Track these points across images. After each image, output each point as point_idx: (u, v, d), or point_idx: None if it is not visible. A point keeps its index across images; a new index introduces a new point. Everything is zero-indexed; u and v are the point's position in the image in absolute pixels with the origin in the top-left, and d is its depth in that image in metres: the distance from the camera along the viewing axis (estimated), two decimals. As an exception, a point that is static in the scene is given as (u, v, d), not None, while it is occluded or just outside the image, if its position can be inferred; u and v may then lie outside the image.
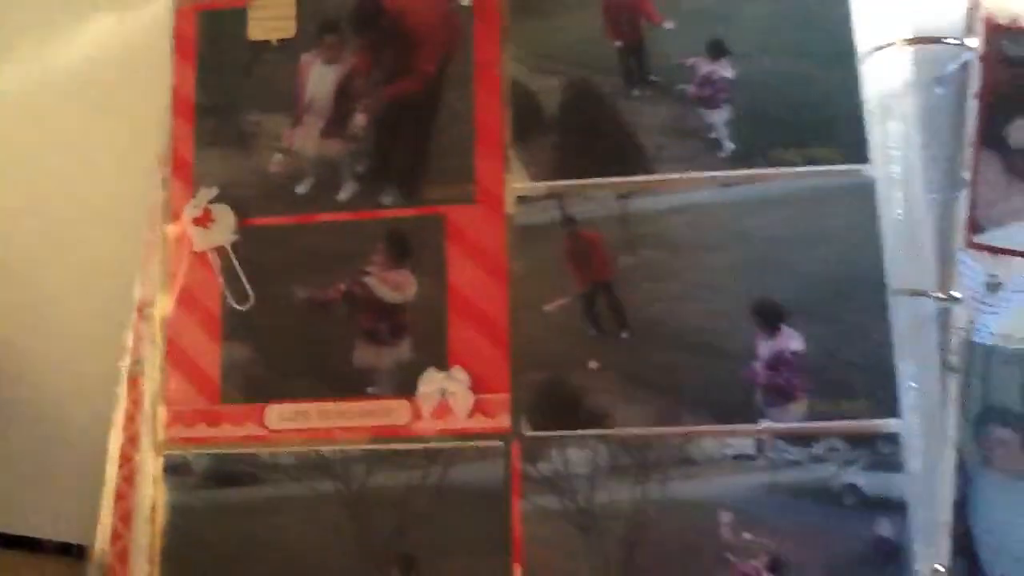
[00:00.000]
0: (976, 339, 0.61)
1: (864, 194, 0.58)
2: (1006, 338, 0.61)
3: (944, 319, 0.61)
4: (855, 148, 0.58)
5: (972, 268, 0.62)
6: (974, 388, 0.60)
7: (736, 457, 0.56)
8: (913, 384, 0.57)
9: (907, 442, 0.56)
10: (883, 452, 0.56)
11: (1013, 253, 0.63)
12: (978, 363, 0.61)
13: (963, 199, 0.63)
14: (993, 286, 0.62)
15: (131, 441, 0.63)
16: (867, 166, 0.59)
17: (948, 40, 0.62)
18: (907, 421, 0.56)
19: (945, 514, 0.59)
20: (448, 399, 0.59)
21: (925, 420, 0.57)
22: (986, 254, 0.62)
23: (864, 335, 0.56)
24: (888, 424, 0.56)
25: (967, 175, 0.63)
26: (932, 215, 0.61)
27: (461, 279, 0.60)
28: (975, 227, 0.63)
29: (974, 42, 0.62)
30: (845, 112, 0.59)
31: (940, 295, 0.59)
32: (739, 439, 0.57)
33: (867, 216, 0.57)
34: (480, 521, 0.57)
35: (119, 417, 0.63)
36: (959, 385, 0.60)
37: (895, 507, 0.55)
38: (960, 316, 0.61)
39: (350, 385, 0.60)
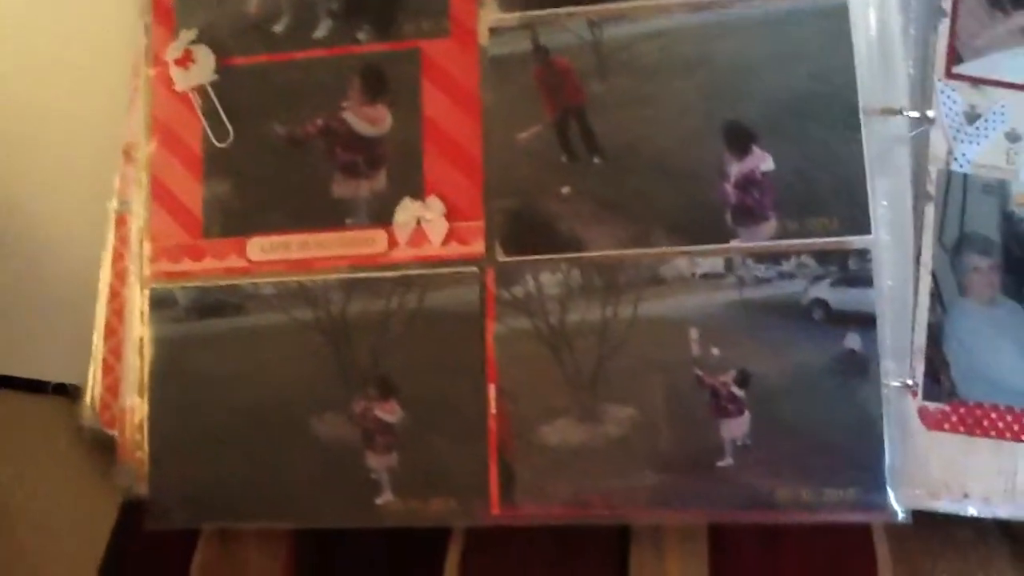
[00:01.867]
0: (954, 168, 0.60)
1: (837, 16, 0.57)
2: (984, 167, 0.61)
3: (921, 146, 0.60)
4: (829, -31, 0.57)
5: (951, 98, 0.61)
6: (951, 217, 0.60)
7: (705, 276, 0.57)
8: (884, 202, 0.56)
9: (877, 258, 0.55)
10: (853, 268, 0.56)
11: (993, 83, 0.62)
12: (956, 192, 0.60)
13: (943, 29, 0.61)
14: (972, 116, 0.61)
15: (119, 278, 0.64)
16: (843, -11, 0.57)
17: None
18: (878, 238, 0.56)
19: (920, 338, 0.59)
20: (423, 227, 0.60)
21: (896, 237, 0.57)
22: (966, 84, 0.61)
23: (835, 154, 0.56)
24: (858, 240, 0.56)
25: (947, 4, 0.61)
26: (908, 40, 0.60)
27: (435, 111, 0.60)
28: (955, 57, 0.61)
29: None
30: (819, -66, 0.58)
31: (913, 114, 0.58)
32: (709, 259, 0.57)
33: (839, 37, 0.57)
34: (455, 344, 0.58)
35: (107, 256, 0.64)
36: (936, 213, 0.60)
37: (863, 321, 0.55)
38: (938, 146, 0.60)
39: (329, 216, 0.61)
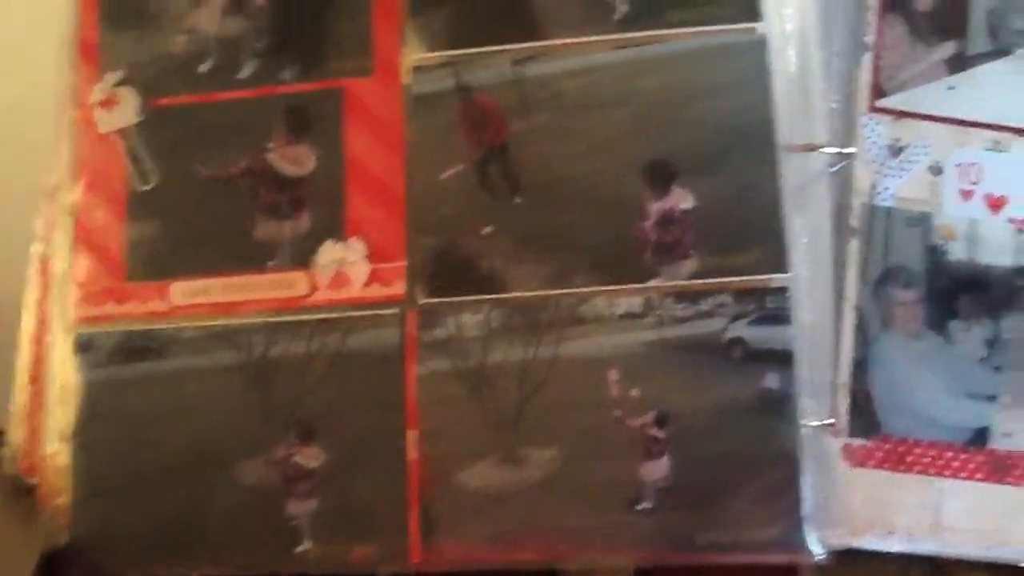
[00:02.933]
0: (878, 202, 0.60)
1: (756, 51, 0.57)
2: (908, 200, 0.61)
3: (844, 180, 0.60)
4: (747, 6, 0.58)
5: (875, 131, 0.61)
6: (875, 251, 0.60)
7: (625, 315, 0.56)
8: (804, 239, 0.56)
9: (796, 296, 0.55)
10: (771, 306, 0.55)
11: (917, 116, 0.62)
12: (879, 226, 0.60)
13: (866, 63, 0.61)
14: (896, 149, 0.61)
15: (43, 323, 0.63)
16: (760, 24, 0.57)
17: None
18: (796, 275, 0.55)
19: (844, 374, 0.59)
20: (345, 269, 0.59)
21: (816, 274, 0.57)
22: (889, 118, 0.62)
23: (754, 190, 0.56)
24: (777, 278, 0.56)
25: (870, 39, 0.61)
26: (831, 74, 0.60)
27: (359, 151, 0.60)
28: (879, 91, 0.62)
29: None
30: (739, -32, 0.58)
31: (833, 149, 0.58)
32: (629, 298, 0.57)
33: (759, 73, 0.57)
34: (376, 387, 0.58)
35: (31, 300, 0.64)
36: (860, 248, 0.60)
37: (782, 360, 0.55)
38: (862, 180, 0.60)
39: (251, 259, 0.60)
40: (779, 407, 0.55)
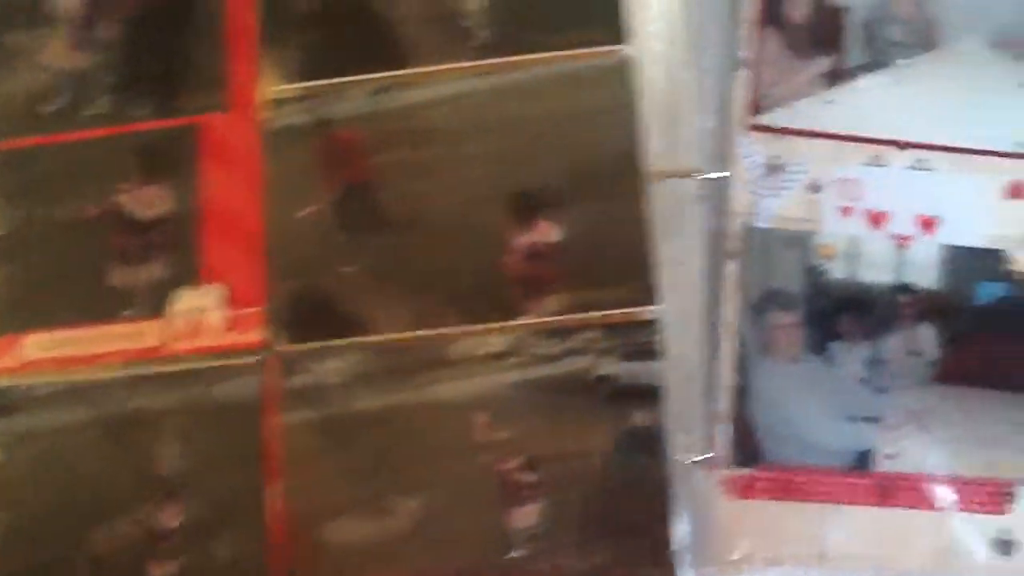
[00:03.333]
0: (756, 223, 0.59)
1: (622, 74, 0.55)
2: (787, 220, 0.59)
3: (721, 203, 0.58)
4: (613, 28, 0.56)
5: (752, 150, 0.59)
6: (753, 274, 0.58)
7: (492, 355, 0.54)
8: (674, 268, 0.55)
9: (665, 328, 0.53)
10: (640, 340, 0.54)
11: (795, 133, 0.60)
12: (758, 248, 0.58)
13: (742, 79, 0.59)
14: (774, 168, 0.59)
15: None
16: (625, 45, 0.55)
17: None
18: (666, 307, 0.54)
19: (724, 403, 0.57)
20: (202, 317, 0.56)
21: (687, 305, 0.55)
22: (767, 135, 0.60)
23: (621, 220, 0.54)
24: (646, 311, 0.54)
25: (745, 54, 0.60)
26: (704, 92, 0.58)
27: (215, 191, 0.58)
28: (755, 108, 0.60)
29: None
30: (604, -11, 0.56)
31: (706, 175, 0.56)
32: (496, 337, 0.54)
33: (625, 97, 0.55)
34: (237, 440, 0.56)
35: None
36: (738, 271, 0.58)
37: (652, 395, 0.53)
38: (740, 201, 0.59)
39: (106, 309, 0.58)
40: (649, 444, 0.54)
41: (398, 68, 0.58)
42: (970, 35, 0.62)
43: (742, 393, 0.58)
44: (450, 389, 0.55)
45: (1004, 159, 0.62)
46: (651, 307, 0.55)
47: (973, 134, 0.62)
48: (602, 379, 0.54)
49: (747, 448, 0.58)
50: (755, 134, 0.61)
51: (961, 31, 0.62)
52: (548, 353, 0.55)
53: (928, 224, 0.62)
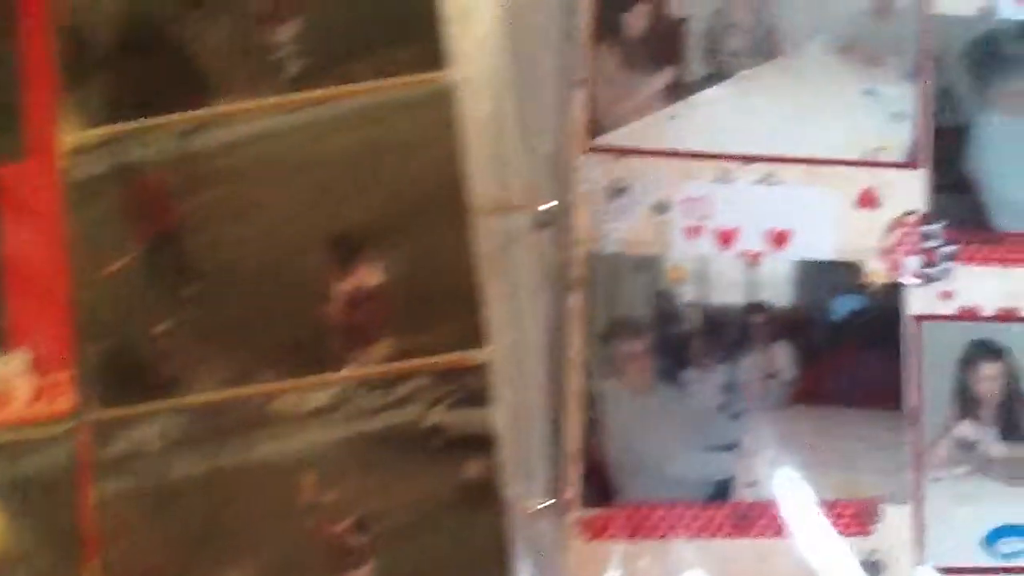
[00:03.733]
0: (601, 249, 0.56)
1: (442, 102, 0.52)
2: (633, 244, 0.57)
3: (562, 232, 0.55)
4: (433, 53, 0.52)
5: (593, 173, 0.57)
6: (600, 302, 0.56)
7: (317, 411, 0.51)
8: (507, 306, 0.52)
9: (499, 372, 0.50)
10: (471, 386, 0.51)
11: (638, 152, 0.57)
12: (604, 275, 0.56)
13: (579, 99, 0.57)
14: (617, 190, 0.57)
15: None
16: (447, 71, 0.52)
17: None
18: (499, 349, 0.51)
19: (573, 442, 0.54)
20: (6, 387, 0.52)
21: (523, 345, 0.52)
22: (609, 156, 0.57)
23: (447, 258, 0.51)
24: (476, 355, 0.51)
25: (581, 73, 0.57)
26: (539, 117, 0.55)
27: (16, 248, 0.54)
28: (594, 129, 0.57)
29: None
30: (422, 14, 0.52)
31: (541, 205, 0.53)
32: (320, 391, 0.51)
33: (447, 126, 0.52)
34: (50, 517, 0.51)
35: None
36: (584, 300, 0.55)
37: (485, 444, 0.50)
38: (582, 227, 0.56)
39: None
40: (485, 495, 0.51)
41: (206, 107, 0.54)
42: (812, 42, 0.61)
43: (592, 429, 0.56)
44: (274, 449, 0.52)
45: (853, 168, 0.61)
46: (482, 349, 0.52)
47: (821, 144, 0.60)
48: (433, 429, 0.51)
49: (600, 487, 0.56)
50: (595, 156, 0.58)
51: (803, 38, 0.61)
52: (375, 405, 0.52)
53: (779, 239, 0.60)
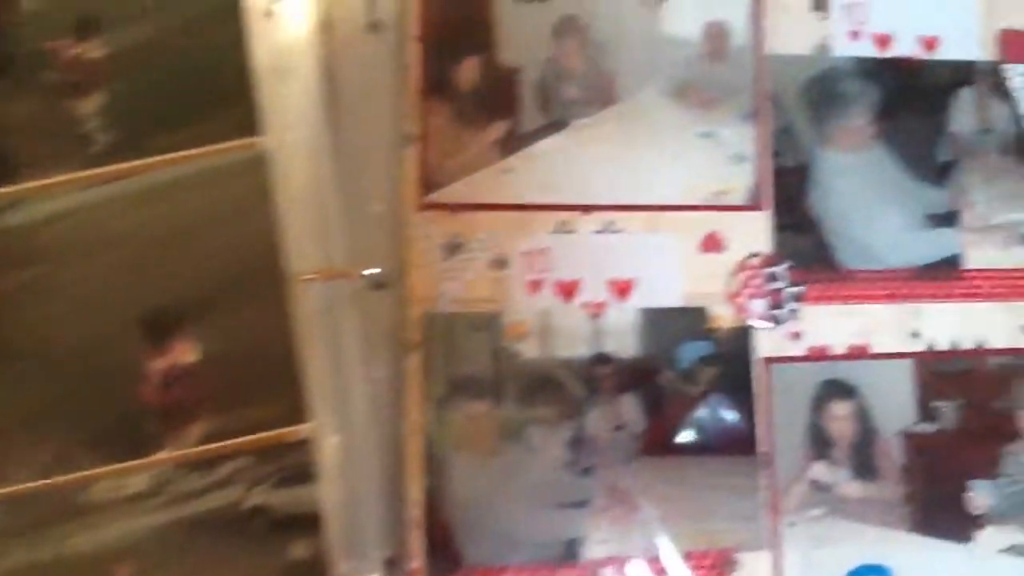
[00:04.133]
0: (438, 309, 0.55)
1: (256, 170, 0.51)
2: (471, 302, 0.56)
3: (397, 293, 0.54)
4: (244, 119, 0.51)
5: (427, 231, 0.55)
6: (438, 363, 0.54)
7: (134, 496, 0.49)
8: (330, 377, 0.50)
9: (323, 447, 0.49)
10: (294, 463, 0.49)
11: (474, 207, 0.56)
12: (441, 335, 0.55)
13: (411, 156, 0.56)
14: (454, 247, 0.56)
15: None
16: (261, 138, 0.51)
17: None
18: (323, 423, 0.49)
19: (414, 510, 0.53)
20: None
21: (346, 415, 0.50)
22: (443, 213, 0.56)
23: (265, 333, 0.50)
24: (299, 430, 0.49)
25: (412, 129, 0.56)
26: (370, 177, 0.54)
27: None
28: (428, 185, 0.56)
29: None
30: (233, 81, 0.51)
31: (364, 271, 0.52)
32: (136, 476, 0.49)
33: (261, 194, 0.50)
34: None
35: None
36: (422, 362, 0.54)
37: (310, 522, 0.49)
38: (418, 287, 0.55)
39: None
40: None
41: (10, 184, 0.52)
42: (647, 87, 0.60)
43: (435, 495, 0.54)
44: (89, 539, 0.50)
45: (695, 212, 0.60)
46: (304, 424, 0.50)
47: (661, 190, 0.60)
48: (255, 510, 0.50)
49: (446, 554, 0.55)
50: (429, 214, 0.57)
51: (638, 84, 0.60)
52: (194, 488, 0.50)
53: (622, 289, 0.59)
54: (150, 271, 0.52)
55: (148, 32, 0.54)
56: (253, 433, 0.51)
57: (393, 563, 0.53)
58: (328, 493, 0.50)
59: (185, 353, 0.51)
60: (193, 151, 0.52)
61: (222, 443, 0.51)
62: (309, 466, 0.50)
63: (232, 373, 0.51)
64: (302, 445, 0.50)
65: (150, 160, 0.52)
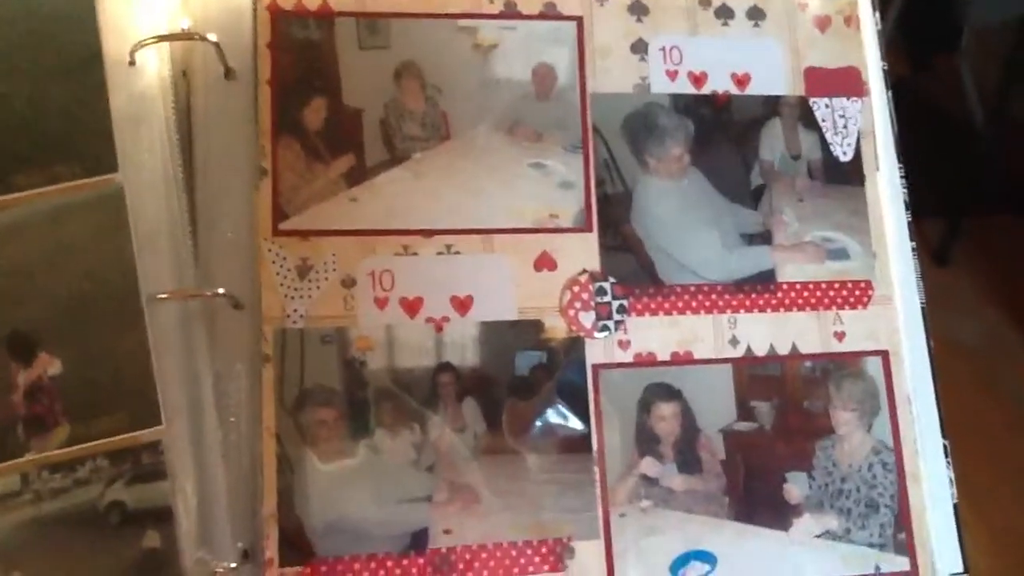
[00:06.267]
0: (290, 325, 0.62)
1: (111, 204, 0.58)
2: (321, 319, 0.63)
3: (253, 311, 0.61)
4: (100, 159, 0.59)
5: (280, 255, 0.63)
6: (290, 375, 0.62)
7: (3, 496, 0.55)
8: (179, 388, 0.57)
9: (171, 448, 0.56)
10: (146, 462, 0.56)
11: (321, 233, 0.64)
12: (294, 349, 0.62)
13: (265, 188, 0.63)
14: (304, 269, 0.63)
15: None
16: (117, 174, 0.58)
17: (205, 36, 0.63)
18: (171, 427, 0.56)
19: (270, 505, 0.60)
20: None
21: (195, 420, 0.57)
22: (295, 239, 0.64)
23: (118, 348, 0.57)
24: (149, 433, 0.56)
25: (266, 164, 0.63)
26: (229, 207, 0.62)
27: None
28: (280, 215, 0.63)
29: (213, 36, 0.63)
30: (89, 124, 0.59)
31: (214, 291, 0.59)
32: (3, 477, 0.56)
33: (114, 225, 0.58)
34: None
35: None
36: (275, 374, 0.61)
37: (161, 516, 0.56)
38: (272, 306, 0.62)
39: None
40: (162, 565, 0.56)
41: None
42: (480, 124, 0.68)
43: (288, 493, 0.61)
44: (-40, 536, 0.56)
45: (527, 235, 0.68)
46: (153, 428, 0.57)
47: (495, 215, 0.68)
48: (111, 505, 0.56)
49: (297, 546, 0.61)
50: (280, 239, 0.65)
51: (471, 122, 0.68)
52: (57, 487, 0.57)
53: (463, 305, 0.67)
54: (16, 296, 0.59)
55: (4, 84, 0.61)
56: (109, 437, 0.57)
57: (248, 554, 0.60)
58: (178, 489, 0.57)
59: (48, 366, 0.58)
60: (54, 187, 0.60)
61: (81, 446, 0.57)
62: (158, 465, 0.57)
63: (88, 384, 0.58)
64: (152, 447, 0.57)
65: (15, 196, 0.60)
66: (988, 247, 1.90)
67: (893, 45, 1.73)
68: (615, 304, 0.68)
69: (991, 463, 1.49)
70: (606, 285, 0.68)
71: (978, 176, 1.84)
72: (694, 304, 0.69)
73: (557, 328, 0.68)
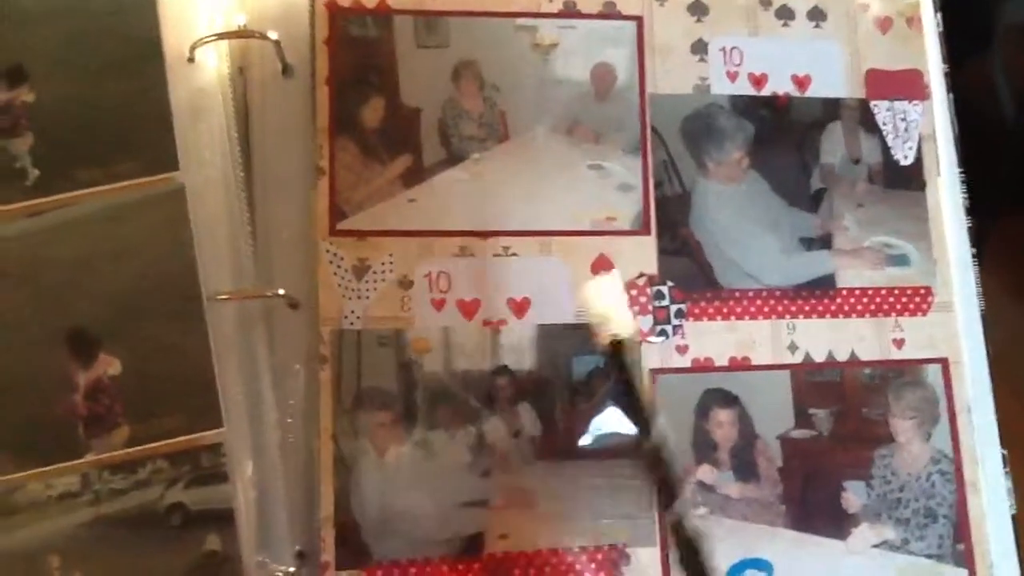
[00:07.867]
0: (347, 326, 0.62)
1: (171, 202, 0.58)
2: (378, 320, 0.63)
3: (310, 312, 0.61)
4: (161, 157, 0.58)
5: (337, 256, 0.63)
6: (348, 376, 0.61)
7: (61, 496, 0.55)
8: (239, 388, 0.57)
9: (231, 450, 0.56)
10: (206, 465, 0.56)
11: (379, 234, 0.64)
12: (350, 350, 0.62)
13: (322, 188, 0.63)
14: (361, 270, 0.63)
15: None
16: (177, 173, 0.58)
17: (265, 34, 0.63)
18: (231, 429, 0.56)
19: (327, 508, 0.59)
20: None
21: (255, 423, 0.57)
22: (351, 239, 0.63)
23: (179, 348, 0.57)
24: (210, 435, 0.56)
25: (323, 163, 0.63)
26: (286, 208, 0.61)
27: None
28: (337, 214, 0.63)
29: (274, 34, 0.62)
30: (150, 121, 0.59)
31: (274, 292, 0.59)
32: (64, 477, 0.56)
33: (175, 225, 0.57)
34: None
35: None
36: (332, 375, 0.61)
37: (222, 518, 0.55)
38: (328, 307, 0.62)
39: None
40: (223, 568, 0.55)
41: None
42: (539, 125, 0.68)
43: (345, 495, 0.61)
44: (21, 536, 0.56)
45: (585, 237, 0.67)
46: (214, 430, 0.57)
47: (553, 217, 0.67)
48: (172, 507, 0.56)
49: (354, 550, 0.61)
50: (338, 239, 0.64)
51: (530, 122, 0.68)
52: (117, 488, 0.57)
53: (520, 308, 0.66)
54: (73, 295, 0.59)
55: (68, 81, 0.61)
56: (170, 438, 0.57)
57: (305, 556, 0.59)
58: (239, 491, 0.57)
59: (109, 366, 0.58)
60: (115, 185, 0.60)
61: (142, 447, 0.57)
62: (220, 468, 0.57)
63: (149, 385, 0.58)
64: (213, 449, 0.57)
65: (77, 193, 0.59)
66: (1019, 248, 1.89)
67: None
68: (673, 308, 0.67)
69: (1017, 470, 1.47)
70: (664, 289, 0.68)
71: (1011, 177, 1.82)
72: (752, 309, 0.69)
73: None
